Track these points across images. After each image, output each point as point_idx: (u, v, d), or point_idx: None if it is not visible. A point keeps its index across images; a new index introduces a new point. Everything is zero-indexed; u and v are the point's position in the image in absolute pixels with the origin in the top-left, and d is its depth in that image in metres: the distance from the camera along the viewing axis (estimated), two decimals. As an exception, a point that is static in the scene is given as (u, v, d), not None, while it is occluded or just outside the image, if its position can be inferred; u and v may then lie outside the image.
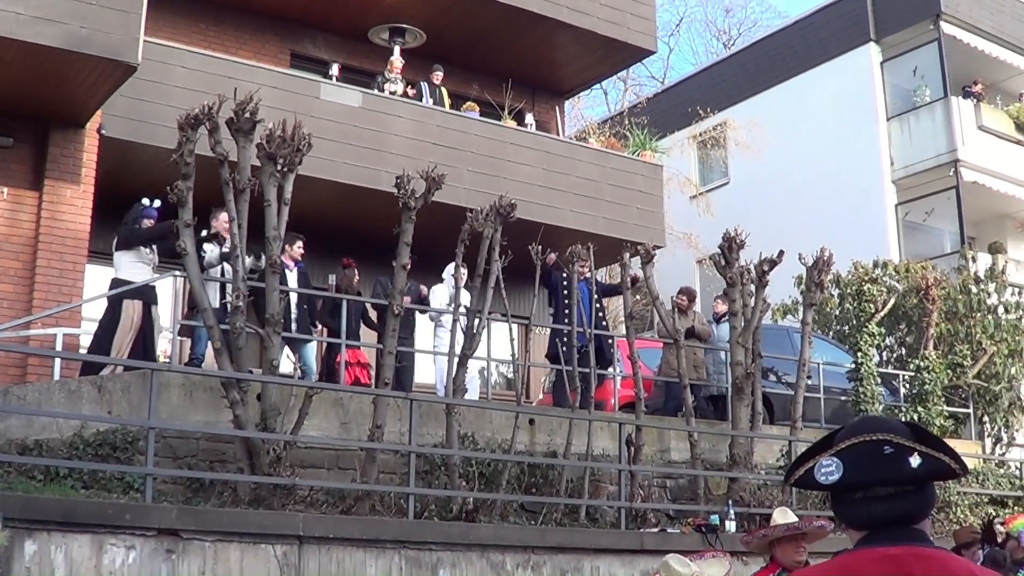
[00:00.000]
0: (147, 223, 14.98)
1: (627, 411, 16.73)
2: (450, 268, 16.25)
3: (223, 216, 14.28)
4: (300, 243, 16.25)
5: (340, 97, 19.86)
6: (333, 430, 13.86)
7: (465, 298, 15.06)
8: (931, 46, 31.02)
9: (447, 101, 22.05)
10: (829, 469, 3.34)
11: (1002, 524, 14.23)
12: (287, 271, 15.99)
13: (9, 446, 11.74)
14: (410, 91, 21.31)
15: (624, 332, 16.93)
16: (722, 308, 19.38)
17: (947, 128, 30.11)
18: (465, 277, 15.30)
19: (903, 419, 18.54)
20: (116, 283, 14.87)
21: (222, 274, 15.01)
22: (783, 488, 16.22)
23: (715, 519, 14.80)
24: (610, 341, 17.65)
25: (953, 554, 3.35)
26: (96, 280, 16.87)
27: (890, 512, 3.27)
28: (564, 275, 16.94)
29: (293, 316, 16.00)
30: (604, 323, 17.78)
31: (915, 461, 3.26)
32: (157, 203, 14.80)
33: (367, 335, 17.83)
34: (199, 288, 12.73)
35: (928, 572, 3.14)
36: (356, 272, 17.37)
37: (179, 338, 15.43)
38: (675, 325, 17.09)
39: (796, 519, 8.92)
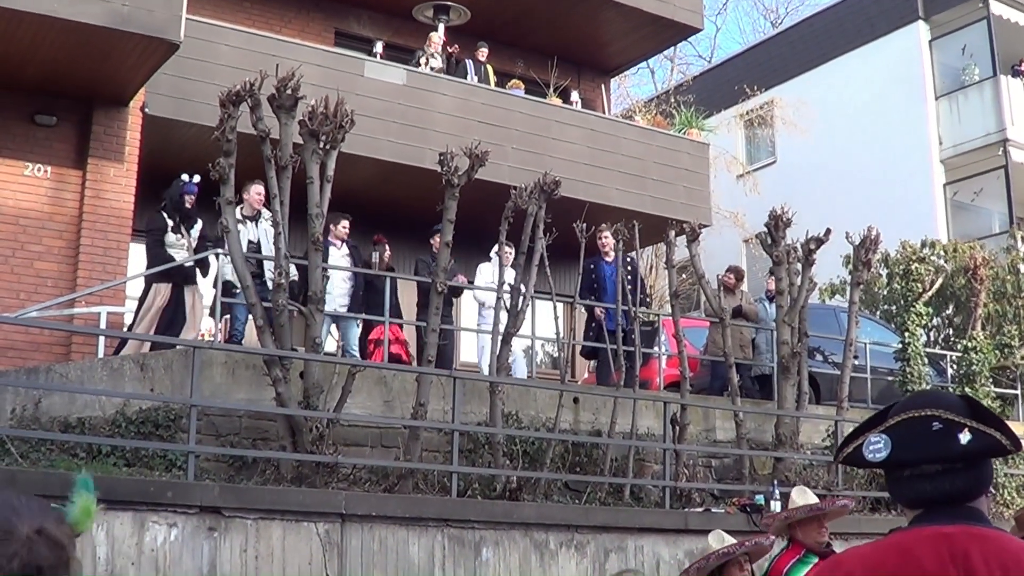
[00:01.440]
0: (188, 199, 15.00)
1: (672, 390, 16.63)
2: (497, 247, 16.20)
3: (254, 188, 14.33)
4: (346, 222, 16.23)
5: (384, 75, 19.82)
6: (376, 408, 13.81)
7: (510, 276, 14.97)
8: (980, 24, 30.69)
9: (492, 79, 21.99)
10: (877, 446, 3.26)
11: None
12: (333, 248, 16.01)
13: (52, 424, 11.78)
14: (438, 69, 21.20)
15: (670, 311, 16.83)
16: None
17: (996, 107, 29.82)
18: (512, 255, 15.18)
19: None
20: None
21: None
22: (829, 468, 16.14)
23: (760, 499, 14.71)
24: (655, 318, 17.57)
25: (1012, 536, 3.25)
26: (140, 259, 16.89)
27: (938, 490, 3.17)
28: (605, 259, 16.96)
29: (342, 292, 16.00)
30: (648, 301, 17.64)
31: (964, 437, 3.15)
32: (197, 179, 14.82)
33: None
34: (241, 265, 12.71)
35: (985, 552, 3.04)
36: (387, 248, 17.27)
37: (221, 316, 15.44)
38: (721, 304, 17.00)
39: (816, 499, 8.83)
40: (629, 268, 16.78)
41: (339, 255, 16.18)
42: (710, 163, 24.54)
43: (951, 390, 19.62)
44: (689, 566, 8.50)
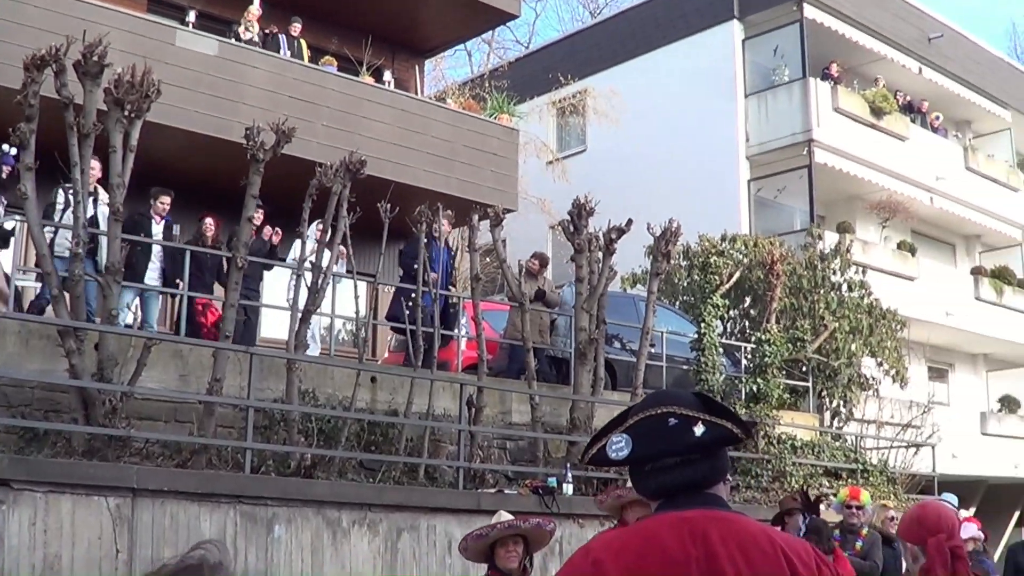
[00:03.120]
0: (5, 170, 14.68)
1: (471, 372, 16.79)
2: (313, 227, 16.14)
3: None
4: (167, 198, 16.12)
5: (196, 45, 19.59)
6: (172, 382, 13.70)
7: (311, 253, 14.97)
8: (793, 27, 31.42)
9: (306, 54, 21.88)
10: (619, 445, 3.47)
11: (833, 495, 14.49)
12: (153, 223, 15.91)
13: None
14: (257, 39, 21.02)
15: (471, 294, 16.97)
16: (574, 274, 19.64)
17: (803, 108, 30.54)
18: (319, 233, 15.17)
19: (743, 390, 19.02)
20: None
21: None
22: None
23: (552, 481, 14.96)
24: (455, 300, 17.69)
25: (749, 518, 3.47)
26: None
27: (678, 480, 3.40)
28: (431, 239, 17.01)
29: (153, 267, 15.86)
30: (452, 286, 17.75)
31: (699, 430, 3.39)
32: (14, 151, 14.51)
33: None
34: (38, 234, 12.49)
35: (723, 533, 3.27)
36: (214, 225, 17.09)
37: (17, 283, 15.16)
38: (521, 288, 17.21)
39: None
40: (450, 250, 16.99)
41: (156, 230, 16.08)
42: (520, 149, 24.75)
43: (744, 381, 20.23)
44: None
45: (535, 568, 9.16)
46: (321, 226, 15.23)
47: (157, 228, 16.13)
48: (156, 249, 16.02)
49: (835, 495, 14.80)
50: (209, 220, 16.98)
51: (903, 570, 12.24)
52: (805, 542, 3.45)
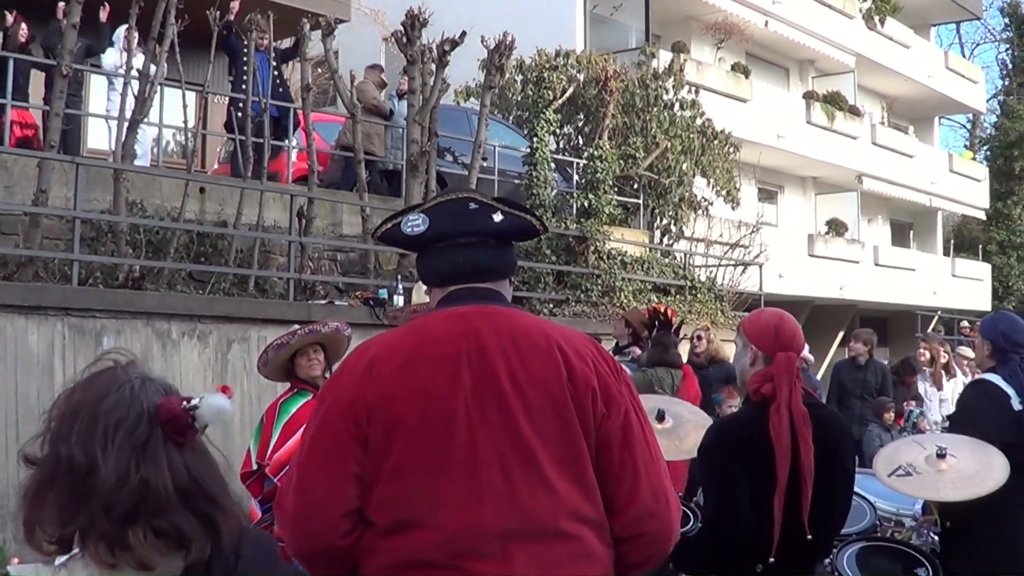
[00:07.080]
0: None
1: (302, 184, 16.70)
2: (121, 30, 15.75)
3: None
4: None
5: None
6: (-5, 194, 13.44)
7: (138, 62, 14.65)
8: None
9: None
10: (415, 222, 3.51)
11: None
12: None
13: None
14: None
15: (301, 104, 16.80)
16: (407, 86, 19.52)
17: (640, -75, 30.23)
18: (136, 39, 14.84)
19: (574, 205, 19.14)
20: None
21: None
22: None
23: (383, 293, 15.05)
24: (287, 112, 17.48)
25: (527, 313, 3.60)
26: None
27: (471, 261, 3.48)
28: (244, 43, 16.67)
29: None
30: (283, 93, 17.48)
31: (498, 217, 3.49)
32: None
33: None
34: None
35: (496, 326, 3.36)
36: (24, 27, 16.49)
37: None
38: (353, 99, 17.08)
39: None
40: (275, 60, 16.77)
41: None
42: (353, -42, 24.31)
43: (575, 196, 20.42)
44: (258, 361, 8.52)
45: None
46: (126, 31, 14.90)
47: None
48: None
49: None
50: (23, 23, 16.25)
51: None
52: (588, 337, 3.55)
